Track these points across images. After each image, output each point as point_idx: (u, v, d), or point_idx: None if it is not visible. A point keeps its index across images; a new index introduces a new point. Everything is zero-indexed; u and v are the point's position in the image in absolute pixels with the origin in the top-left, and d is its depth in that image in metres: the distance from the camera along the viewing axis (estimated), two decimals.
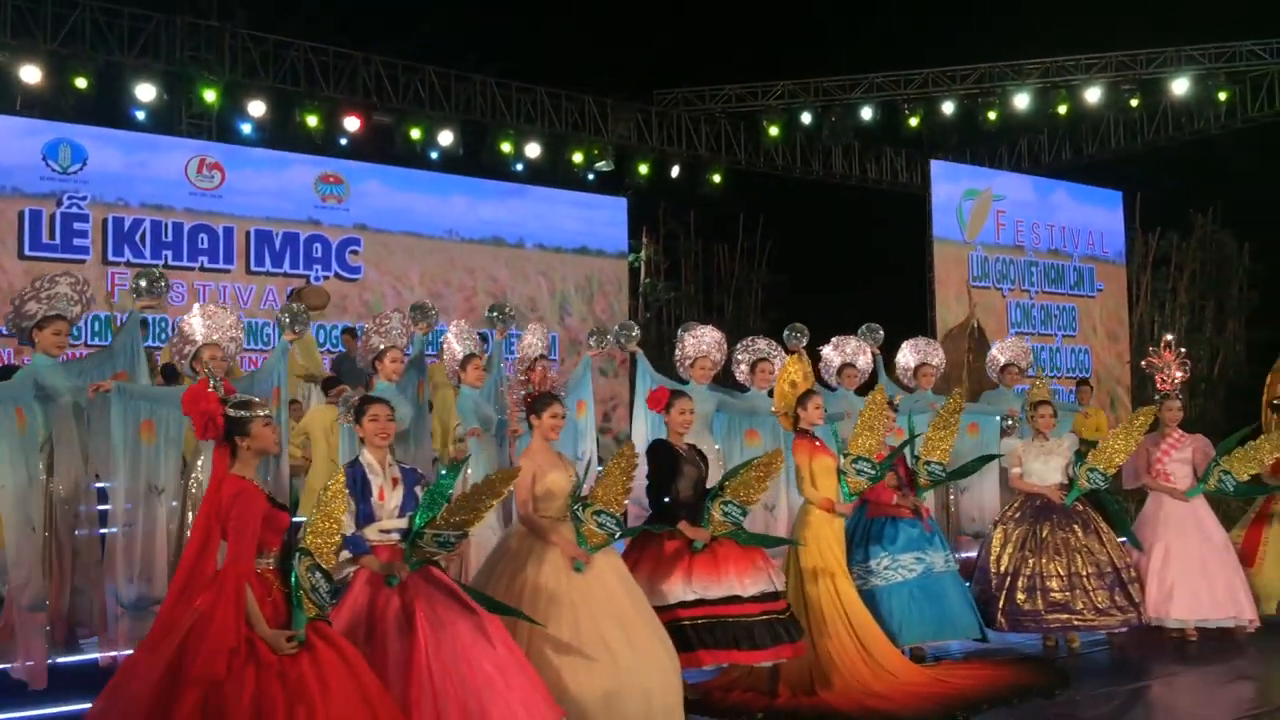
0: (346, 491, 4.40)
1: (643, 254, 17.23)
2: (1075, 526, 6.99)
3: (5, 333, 5.79)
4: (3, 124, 12.25)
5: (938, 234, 14.96)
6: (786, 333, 8.38)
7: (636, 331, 7.88)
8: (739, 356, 7.98)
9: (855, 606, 6.18)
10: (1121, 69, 16.49)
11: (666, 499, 5.78)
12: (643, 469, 5.66)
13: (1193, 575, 7.09)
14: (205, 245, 13.25)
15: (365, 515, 4.54)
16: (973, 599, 6.82)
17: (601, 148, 16.26)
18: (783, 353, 8.05)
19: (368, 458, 4.65)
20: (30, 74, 12.39)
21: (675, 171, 16.98)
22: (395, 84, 14.81)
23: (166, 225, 12.99)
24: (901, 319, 14.32)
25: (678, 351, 7.75)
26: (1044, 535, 6.96)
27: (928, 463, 6.83)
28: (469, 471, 6.41)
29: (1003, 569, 6.99)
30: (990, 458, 7.46)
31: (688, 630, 5.47)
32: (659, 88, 17.27)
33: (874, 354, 8.61)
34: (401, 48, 14.95)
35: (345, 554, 4.46)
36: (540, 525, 5.13)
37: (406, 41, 15.14)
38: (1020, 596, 6.88)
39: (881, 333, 8.73)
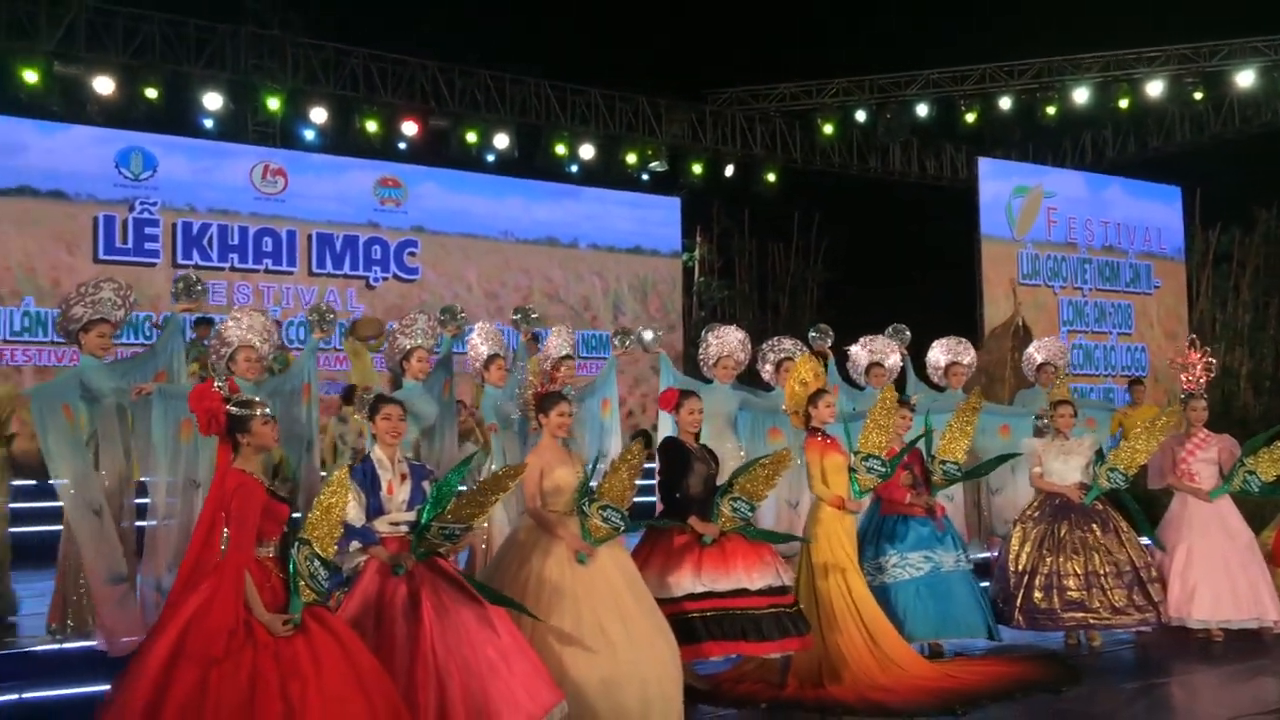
0: (353, 486, 4.70)
1: (696, 253, 17.39)
2: (1094, 525, 7.02)
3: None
4: (78, 133, 12.86)
5: (986, 231, 14.89)
6: (811, 333, 8.50)
7: (661, 333, 8.07)
8: (765, 356, 8.13)
9: (866, 602, 6.31)
10: (1184, 61, 16.22)
11: (677, 495, 5.96)
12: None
13: (1216, 576, 7.07)
14: (269, 248, 13.76)
15: (374, 508, 4.80)
16: (985, 598, 6.89)
17: (655, 148, 16.46)
18: (809, 352, 8.18)
19: (378, 454, 4.92)
20: (104, 85, 12.97)
21: (729, 171, 17.13)
22: (451, 88, 15.19)
23: (232, 229, 13.52)
24: (955, 317, 14.33)
25: (701, 351, 7.93)
26: (1062, 534, 7.01)
27: (943, 462, 6.93)
28: (493, 466, 6.67)
29: (1021, 567, 7.05)
30: (1006, 457, 7.51)
31: (696, 622, 5.65)
32: (713, 87, 17.42)
33: (902, 354, 8.68)
34: (457, 52, 15.30)
35: (355, 544, 4.75)
36: (546, 519, 5.35)
37: (462, 46, 15.47)
38: (1037, 595, 6.93)
39: (908, 333, 8.80)
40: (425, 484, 4.93)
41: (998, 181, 15.46)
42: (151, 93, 13.26)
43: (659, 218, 16.61)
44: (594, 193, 16.11)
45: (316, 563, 4.03)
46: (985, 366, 11.47)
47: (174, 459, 5.84)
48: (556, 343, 7.41)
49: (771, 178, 17.33)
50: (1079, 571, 6.89)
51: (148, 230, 13.09)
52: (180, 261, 13.17)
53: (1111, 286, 15.97)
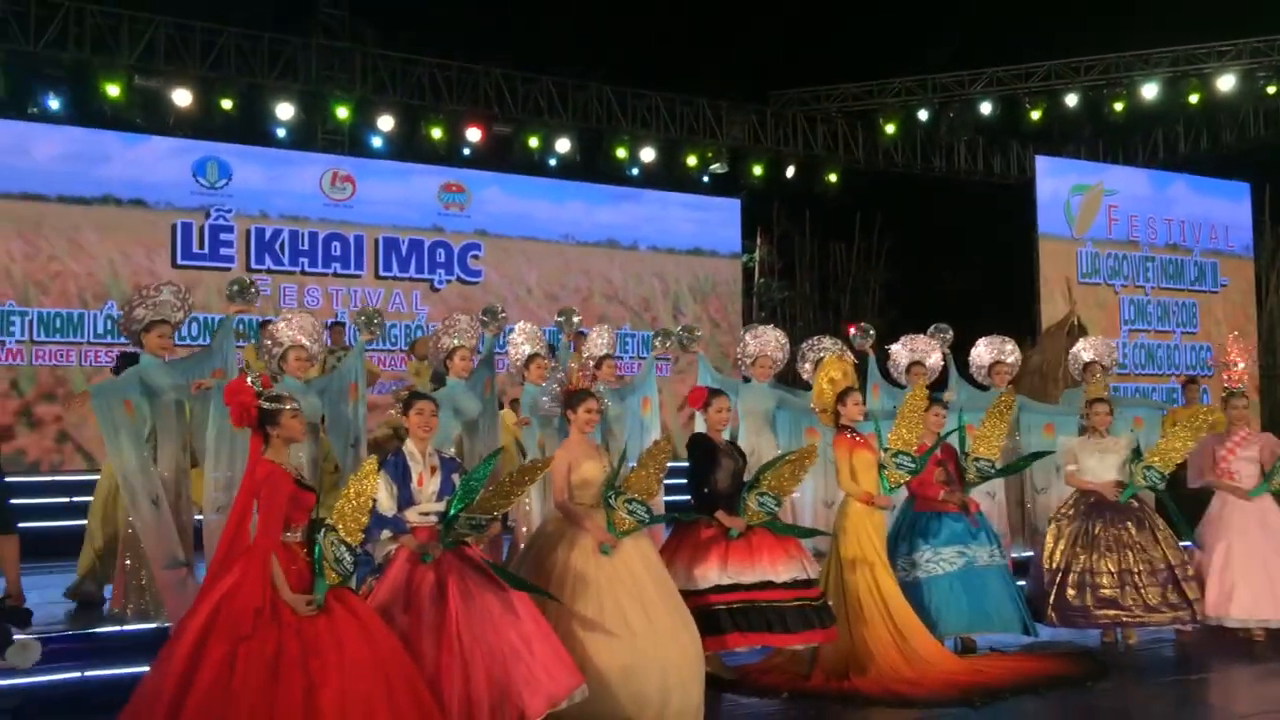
0: (385, 477, 4.97)
1: (757, 254, 17.49)
2: (1129, 524, 7.02)
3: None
4: (157, 144, 13.44)
5: (1044, 230, 14.76)
6: (853, 333, 8.61)
7: (699, 333, 8.24)
8: (804, 355, 8.24)
9: (894, 596, 6.40)
10: (1256, 55, 15.89)
11: (705, 490, 6.14)
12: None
13: (1254, 575, 7.03)
14: (338, 253, 14.22)
15: (405, 499, 5.06)
16: (1020, 594, 6.93)
17: (716, 150, 16.61)
18: (849, 352, 8.28)
19: (410, 447, 5.18)
20: (182, 97, 13.53)
21: (790, 172, 17.20)
22: (514, 95, 15.51)
23: (303, 235, 14.01)
24: (1015, 316, 14.26)
25: (739, 350, 8.09)
26: (1096, 532, 7.03)
27: (976, 459, 6.99)
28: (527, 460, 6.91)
29: (1055, 565, 7.08)
30: (1039, 454, 7.54)
31: (721, 614, 5.83)
32: (774, 88, 17.51)
33: (944, 353, 8.73)
34: (521, 59, 15.63)
35: (387, 533, 5.01)
36: (573, 511, 5.57)
37: (525, 53, 15.79)
38: (1070, 592, 6.96)
39: (951, 333, 8.83)
40: (454, 477, 5.17)
41: (1055, 179, 15.31)
42: (227, 104, 13.77)
43: (719, 219, 16.76)
44: (654, 195, 16.32)
45: (342, 548, 4.29)
46: (1039, 366, 11.44)
47: (230, 452, 6.16)
48: (597, 342, 7.63)
49: (833, 178, 17.36)
50: (1113, 569, 6.90)
51: (223, 236, 13.63)
52: (254, 266, 13.69)
53: (1175, 285, 15.70)
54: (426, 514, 5.09)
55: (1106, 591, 6.87)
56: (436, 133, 14.91)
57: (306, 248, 14.03)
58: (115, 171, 13.11)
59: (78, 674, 5.64)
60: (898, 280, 17.85)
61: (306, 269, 13.99)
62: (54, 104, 13.12)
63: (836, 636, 6.11)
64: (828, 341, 8.27)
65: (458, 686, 4.69)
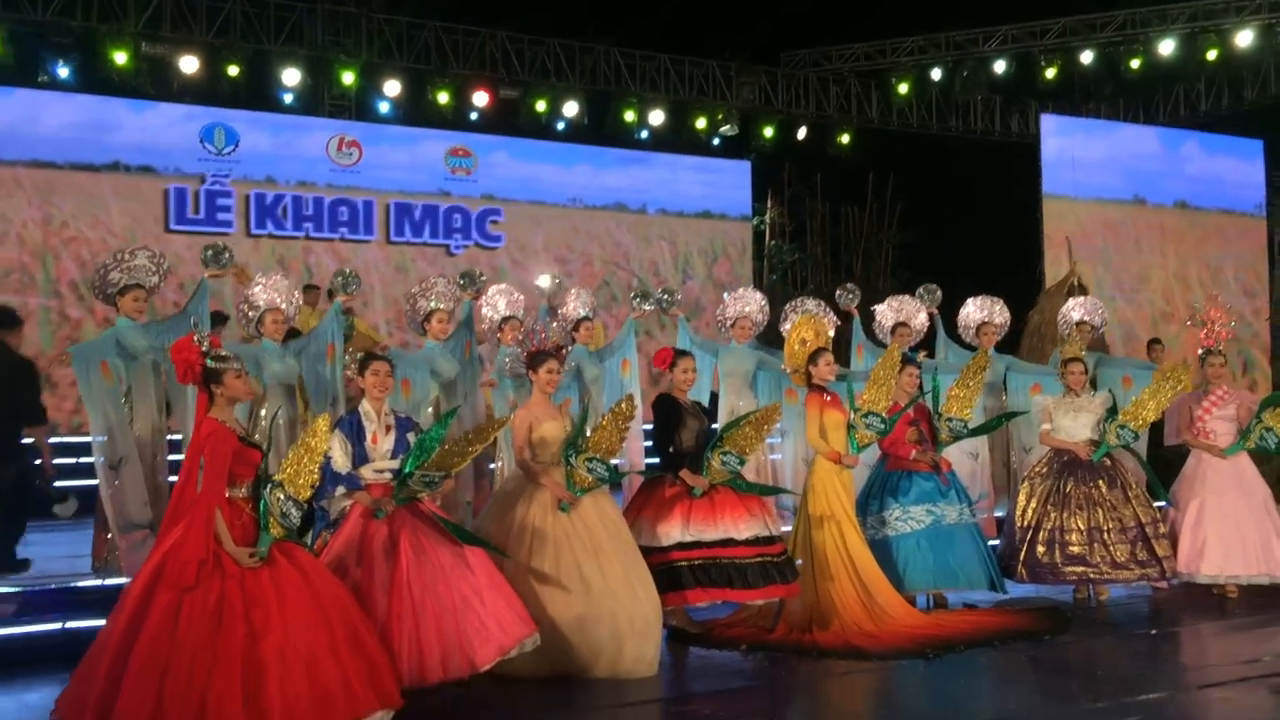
0: (340, 436, 5.09)
1: (767, 217, 17.44)
2: (1100, 482, 7.04)
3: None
4: (165, 111, 13.59)
5: (1048, 190, 14.62)
6: (839, 294, 8.63)
7: (678, 296, 8.29)
8: (787, 316, 8.26)
9: (860, 553, 6.47)
10: (1276, 9, 15.55)
11: (670, 449, 6.22)
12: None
13: (1226, 531, 7.04)
14: (345, 218, 14.34)
15: (360, 457, 5.19)
16: (989, 553, 6.97)
17: (726, 112, 16.52)
18: (831, 313, 8.32)
19: (366, 407, 5.30)
20: (188, 64, 13.61)
21: (802, 133, 17.09)
22: (521, 58, 15.49)
23: (307, 200, 14.13)
24: (1023, 277, 14.18)
25: (719, 312, 8.14)
26: (1068, 490, 7.05)
27: (949, 419, 7.01)
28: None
29: (1026, 523, 7.12)
30: (1012, 415, 7.56)
31: (683, 570, 5.94)
32: (785, 49, 17.38)
33: (931, 314, 8.73)
34: (527, 23, 15.59)
35: (341, 489, 5.14)
36: (532, 469, 5.68)
37: (532, 16, 15.76)
38: (1040, 549, 7.01)
39: (940, 293, 8.83)
40: (410, 435, 5.29)
41: (1062, 138, 15.13)
42: (233, 70, 13.85)
43: (729, 182, 16.72)
44: (663, 158, 16.29)
45: (289, 504, 4.41)
46: (1038, 326, 11.40)
47: None
48: (575, 304, 7.71)
49: (845, 139, 17.22)
50: (1082, 527, 6.93)
51: (222, 202, 13.77)
52: (254, 232, 13.84)
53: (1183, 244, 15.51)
54: (381, 471, 5.21)
55: (1075, 549, 6.90)
56: (443, 97, 14.90)
57: (311, 213, 14.16)
58: (124, 138, 13.28)
59: (59, 625, 5.84)
60: (911, 241, 17.73)
61: (312, 234, 14.13)
62: (63, 72, 13.27)
63: (799, 591, 6.20)
64: (810, 303, 8.31)
65: (408, 637, 4.84)
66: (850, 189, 17.74)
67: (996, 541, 7.50)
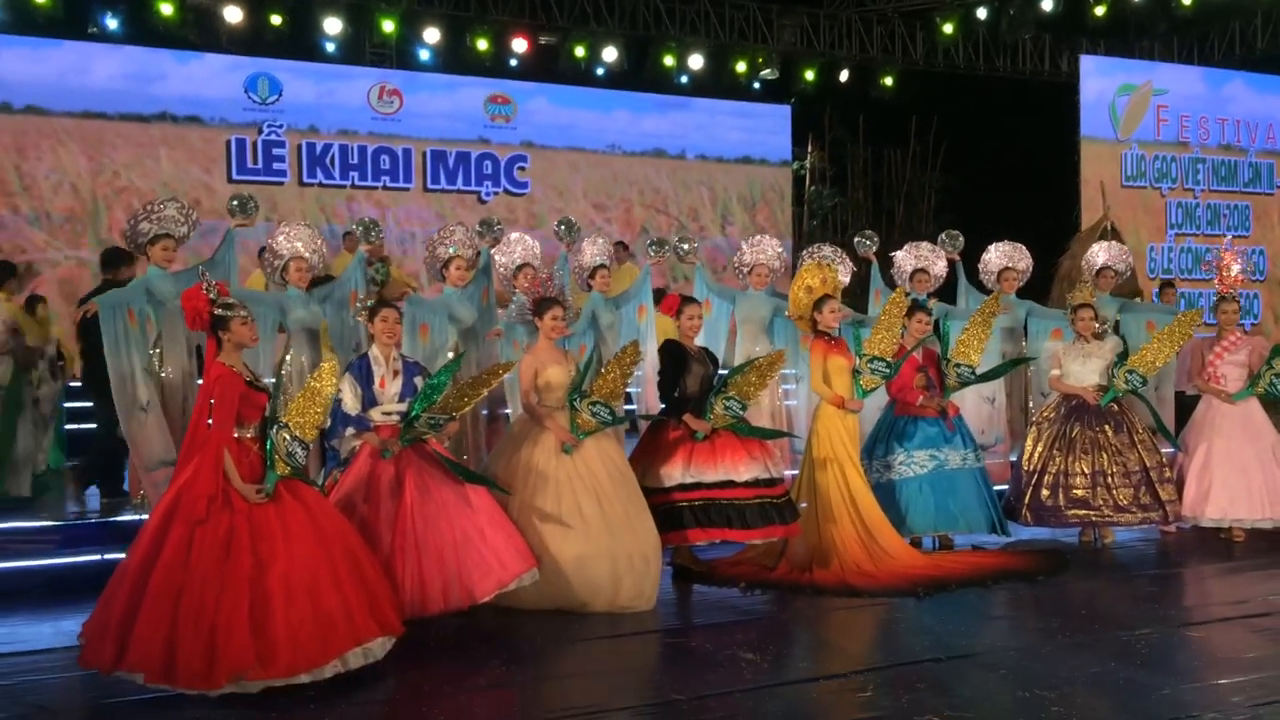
0: (350, 379, 5.35)
1: (807, 161, 17.38)
2: (1106, 426, 7.12)
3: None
4: (210, 61, 13.91)
5: (1086, 133, 14.39)
6: (856, 239, 8.72)
7: (695, 243, 8.41)
8: (804, 263, 8.36)
9: (863, 495, 6.64)
10: None
11: (675, 394, 6.41)
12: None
13: (1232, 476, 7.10)
14: (387, 166, 14.61)
15: (369, 400, 5.45)
16: (992, 496, 7.09)
17: (766, 55, 16.41)
18: (847, 260, 8.40)
19: (374, 352, 5.54)
20: (232, 14, 13.85)
21: (844, 76, 16.94)
22: (560, 4, 15.49)
23: (352, 149, 14.42)
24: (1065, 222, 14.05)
25: (735, 259, 8.26)
26: (1074, 434, 7.14)
27: (957, 365, 7.10)
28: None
29: (1032, 467, 7.23)
30: (1020, 361, 7.62)
31: (684, 510, 6.17)
32: None
33: (951, 260, 8.77)
34: None
35: (351, 430, 5.41)
36: (537, 412, 5.91)
37: None
38: (1045, 493, 7.13)
39: (961, 239, 8.85)
40: (417, 380, 5.53)
41: (1102, 79, 14.84)
42: (276, 19, 14.08)
43: (769, 126, 16.70)
44: (702, 103, 16.30)
45: (295, 443, 4.67)
46: (1068, 271, 11.33)
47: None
48: (592, 251, 7.88)
49: (888, 82, 17.05)
50: (1086, 471, 7.03)
51: (276, 151, 14.10)
52: (306, 180, 14.18)
53: (1228, 187, 15.18)
54: (389, 414, 5.47)
55: (1079, 492, 7.02)
56: (482, 44, 15.00)
57: (355, 161, 14.44)
58: (171, 89, 13.64)
59: (98, 557, 6.21)
60: (954, 185, 17.57)
61: (356, 182, 14.42)
62: (112, 24, 13.60)
63: (799, 532, 6.39)
64: (828, 249, 8.39)
65: (410, 569, 5.13)
66: (893, 133, 17.59)
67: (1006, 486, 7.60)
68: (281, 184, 14.04)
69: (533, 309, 6.17)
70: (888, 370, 6.77)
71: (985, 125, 17.37)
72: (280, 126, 14.06)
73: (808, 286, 6.86)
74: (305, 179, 14.19)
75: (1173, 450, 7.44)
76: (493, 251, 7.52)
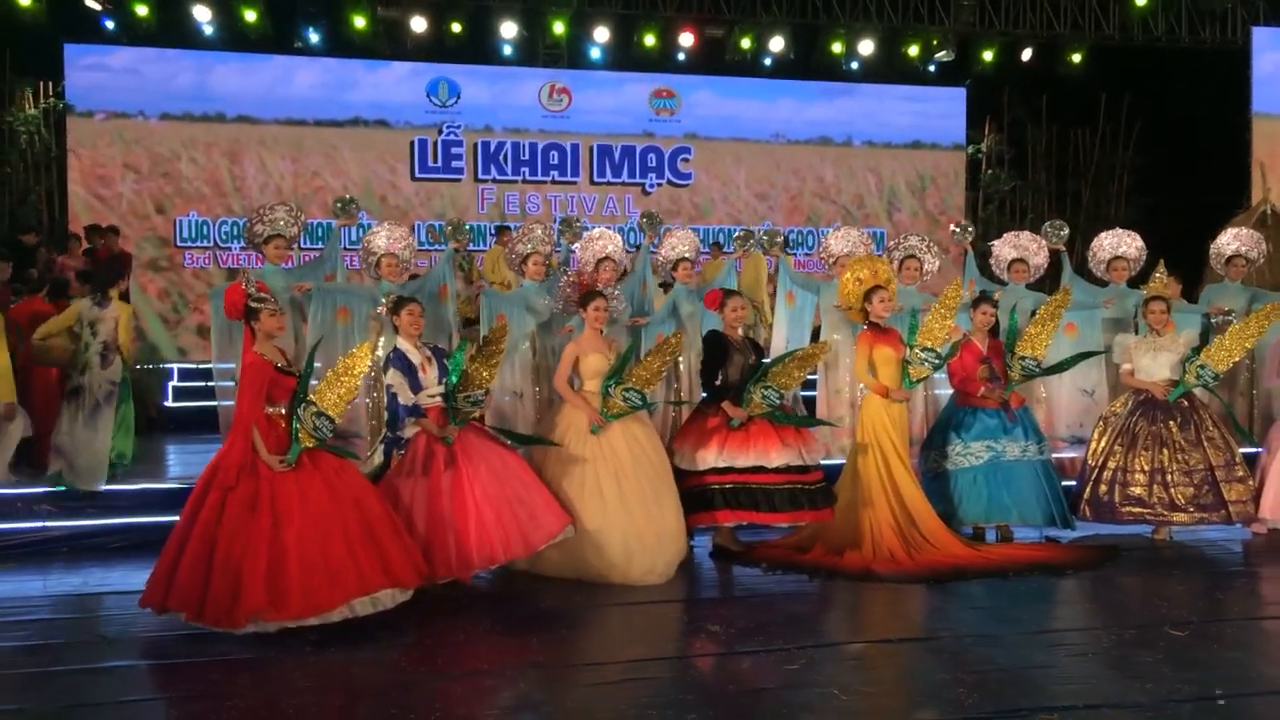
0: (396, 372, 5.95)
1: (983, 144, 16.93)
2: (1172, 422, 6.88)
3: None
4: (396, 69, 15.12)
5: (1258, 109, 13.37)
6: (953, 229, 8.70)
7: (780, 237, 8.60)
8: (890, 254, 8.44)
9: (906, 483, 6.72)
10: None
11: (717, 382, 6.73)
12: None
13: None
14: (555, 161, 15.42)
15: (416, 386, 6.05)
16: (1056, 490, 6.98)
17: (941, 37, 16.10)
18: (933, 250, 8.40)
19: (403, 345, 6.09)
20: (418, 24, 15.02)
21: (1026, 55, 16.38)
22: None
23: (524, 146, 15.30)
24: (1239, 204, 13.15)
25: (822, 250, 8.41)
26: (1137, 430, 6.93)
27: (1021, 357, 7.04)
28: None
29: (1095, 461, 7.07)
30: (1086, 355, 7.42)
31: (715, 493, 6.49)
32: None
33: (1053, 251, 8.59)
34: None
35: (411, 420, 6.01)
36: (568, 393, 6.39)
37: None
38: (1103, 489, 6.97)
39: (1066, 231, 8.65)
40: (446, 362, 6.11)
41: (1276, 52, 13.73)
42: (456, 27, 15.13)
43: (941, 110, 16.42)
44: (869, 89, 16.22)
45: (321, 418, 5.33)
46: None
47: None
48: (676, 245, 8.24)
49: (1076, 58, 16.36)
50: (1145, 468, 6.83)
51: (454, 150, 15.17)
52: (480, 177, 15.16)
53: None
54: (433, 396, 6.07)
55: (1136, 490, 6.82)
56: (650, 39, 15.55)
57: (527, 158, 15.31)
58: (362, 95, 14.94)
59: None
60: (1147, 165, 16.68)
61: (527, 177, 15.30)
62: (314, 38, 15.00)
63: (830, 518, 6.58)
64: (913, 239, 8.42)
65: (474, 528, 5.77)
66: (1077, 112, 16.85)
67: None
68: (459, 180, 15.08)
69: (578, 300, 6.64)
70: (938, 361, 6.82)
71: (1186, 101, 16.37)
72: (458, 127, 15.11)
73: (859, 278, 6.99)
74: (480, 175, 15.18)
75: (1259, 449, 7.08)
76: (573, 247, 8.01)
